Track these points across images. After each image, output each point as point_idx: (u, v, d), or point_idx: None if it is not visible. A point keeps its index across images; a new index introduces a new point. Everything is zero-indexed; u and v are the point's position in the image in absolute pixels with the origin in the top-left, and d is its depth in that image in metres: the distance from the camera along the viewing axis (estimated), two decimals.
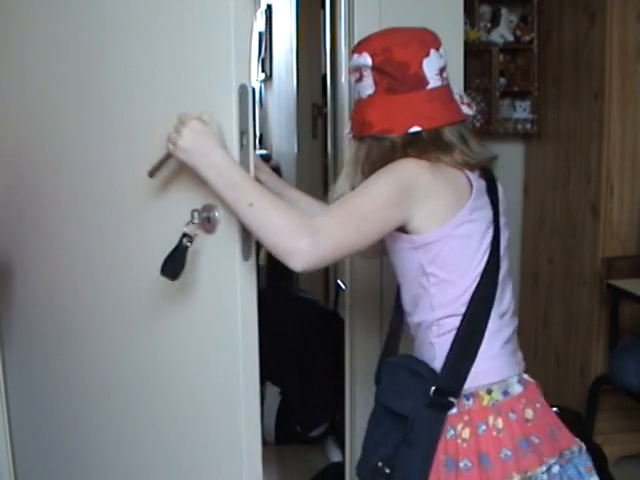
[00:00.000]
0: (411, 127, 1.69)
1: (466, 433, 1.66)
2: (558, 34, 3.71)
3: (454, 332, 1.70)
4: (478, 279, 1.70)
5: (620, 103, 3.36)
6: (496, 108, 3.85)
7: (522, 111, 3.92)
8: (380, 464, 1.71)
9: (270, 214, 1.61)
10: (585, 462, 1.73)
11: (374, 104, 1.73)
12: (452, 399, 1.67)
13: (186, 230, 1.73)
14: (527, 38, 3.83)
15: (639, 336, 3.20)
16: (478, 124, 3.84)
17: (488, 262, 1.72)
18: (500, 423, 1.65)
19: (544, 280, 3.95)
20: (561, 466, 1.68)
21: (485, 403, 1.67)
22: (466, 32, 3.30)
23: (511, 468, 1.63)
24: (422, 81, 1.71)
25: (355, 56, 1.75)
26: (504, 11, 3.84)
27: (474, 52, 3.68)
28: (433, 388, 1.67)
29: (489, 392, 1.68)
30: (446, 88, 1.76)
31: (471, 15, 3.67)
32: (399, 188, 1.65)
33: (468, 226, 1.70)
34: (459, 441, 1.66)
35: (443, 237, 1.68)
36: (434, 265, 1.70)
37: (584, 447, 1.75)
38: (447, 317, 1.71)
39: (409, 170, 1.67)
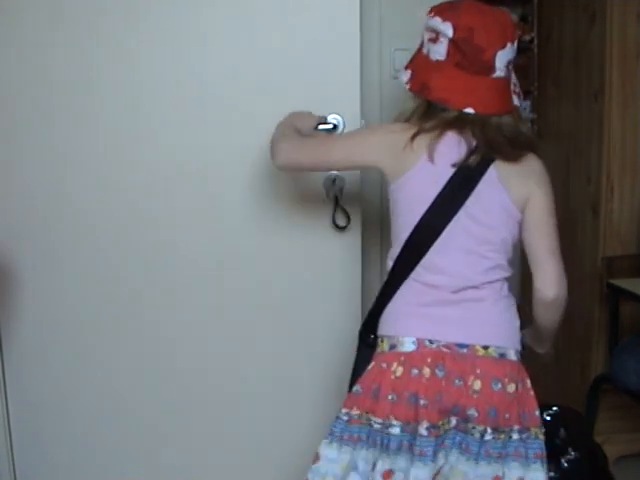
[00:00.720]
0: (467, 107, 1.83)
1: (371, 366, 1.91)
2: (558, 34, 3.71)
3: (386, 279, 1.97)
4: (404, 242, 1.90)
5: (620, 103, 3.35)
6: None
7: (522, 111, 3.90)
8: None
9: (282, 130, 2.06)
10: (424, 445, 1.82)
11: (441, 72, 1.84)
12: (369, 336, 1.98)
13: None
14: (527, 38, 3.84)
15: (639, 336, 3.20)
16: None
17: (415, 230, 1.87)
18: (370, 366, 1.90)
19: None
20: (402, 430, 1.82)
21: (378, 350, 1.92)
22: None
23: (354, 402, 1.89)
24: (490, 69, 1.82)
25: (438, 20, 1.83)
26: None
27: None
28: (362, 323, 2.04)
29: (382, 341, 1.92)
30: (509, 79, 1.88)
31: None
32: (381, 140, 1.93)
33: (412, 187, 1.88)
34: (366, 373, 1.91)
35: (396, 189, 1.91)
36: (390, 211, 1.96)
37: (424, 426, 1.83)
38: (390, 258, 1.96)
39: (398, 131, 1.90)
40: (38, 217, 2.36)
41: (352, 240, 2.43)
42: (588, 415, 3.31)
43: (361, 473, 1.88)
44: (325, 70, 2.32)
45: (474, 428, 1.85)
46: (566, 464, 2.79)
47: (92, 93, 2.31)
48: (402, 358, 1.86)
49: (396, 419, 1.83)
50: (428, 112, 1.89)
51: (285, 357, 2.50)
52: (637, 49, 3.31)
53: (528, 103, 3.91)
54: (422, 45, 1.91)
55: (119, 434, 2.51)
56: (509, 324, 1.94)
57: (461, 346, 1.85)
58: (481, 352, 1.86)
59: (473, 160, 1.85)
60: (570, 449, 2.84)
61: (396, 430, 1.84)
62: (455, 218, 1.86)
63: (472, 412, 1.84)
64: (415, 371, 1.84)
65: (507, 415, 1.86)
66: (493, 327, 1.90)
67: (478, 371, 1.84)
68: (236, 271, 2.44)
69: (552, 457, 2.81)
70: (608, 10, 3.27)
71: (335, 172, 2.32)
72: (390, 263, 1.96)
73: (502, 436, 1.86)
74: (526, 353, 2.03)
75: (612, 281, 3.28)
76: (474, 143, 1.86)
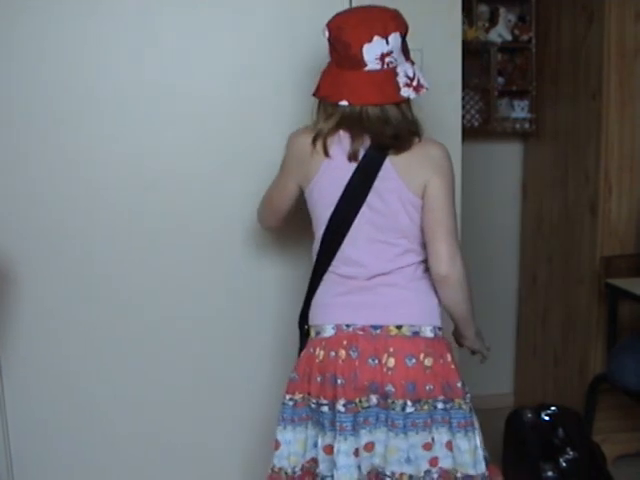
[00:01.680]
0: (341, 100, 1.97)
1: (303, 353, 2.11)
2: (556, 33, 3.71)
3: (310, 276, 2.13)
4: (320, 239, 2.07)
5: (618, 102, 3.35)
6: (494, 107, 3.84)
7: (520, 110, 3.92)
8: None
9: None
10: (342, 422, 1.99)
11: (328, 72, 2.02)
12: (306, 327, 2.13)
13: None
14: (525, 37, 3.82)
15: (638, 335, 3.20)
16: (477, 123, 3.84)
17: (327, 227, 2.04)
18: (302, 353, 2.10)
19: (543, 279, 3.95)
20: (329, 408, 2.00)
21: (310, 337, 2.10)
22: (464, 31, 3.30)
23: (294, 388, 2.08)
24: (360, 62, 1.95)
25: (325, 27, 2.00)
26: (502, 10, 3.83)
27: (472, 51, 3.67)
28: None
29: (309, 329, 2.11)
30: (390, 72, 1.98)
31: (469, 14, 3.67)
32: (290, 157, 2.09)
33: (320, 190, 2.03)
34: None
35: (308, 194, 2.07)
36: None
37: (341, 402, 2.00)
38: (313, 255, 2.12)
39: (297, 139, 2.07)
40: (33, 221, 2.36)
41: None
42: (587, 415, 3.31)
43: (319, 448, 2.07)
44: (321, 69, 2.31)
45: (394, 403, 2.00)
46: (565, 464, 2.81)
47: (86, 95, 2.32)
48: (323, 343, 2.05)
49: (324, 398, 2.02)
50: (324, 112, 2.03)
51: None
52: (635, 48, 3.32)
53: (526, 102, 3.91)
54: None
55: (113, 435, 2.51)
56: (424, 304, 2.07)
57: (375, 327, 2.02)
58: (394, 332, 2.02)
59: (368, 154, 1.99)
60: (569, 449, 2.85)
61: (325, 408, 2.02)
62: (360, 213, 2.01)
63: (389, 388, 2.00)
64: (332, 353, 2.02)
65: (429, 387, 2.02)
66: (406, 308, 2.05)
67: (391, 349, 2.00)
68: (227, 275, 2.45)
69: (551, 457, 2.84)
70: (606, 10, 3.27)
71: None
72: (314, 258, 2.13)
73: (425, 407, 2.02)
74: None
75: (610, 281, 3.28)
76: (367, 139, 2.00)
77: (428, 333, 2.04)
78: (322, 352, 2.04)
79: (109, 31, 2.29)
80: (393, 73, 1.98)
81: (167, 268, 2.45)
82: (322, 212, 2.05)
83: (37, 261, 2.39)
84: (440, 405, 2.03)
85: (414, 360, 2.00)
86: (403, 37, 1.98)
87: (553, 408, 3.06)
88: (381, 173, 1.99)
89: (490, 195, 3.99)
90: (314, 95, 2.05)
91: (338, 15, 2.00)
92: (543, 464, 2.79)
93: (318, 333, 2.08)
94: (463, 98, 3.05)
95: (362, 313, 2.04)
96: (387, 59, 1.95)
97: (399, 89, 1.98)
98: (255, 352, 2.56)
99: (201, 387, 2.55)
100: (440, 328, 2.09)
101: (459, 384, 2.06)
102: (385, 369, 2.00)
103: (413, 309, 2.06)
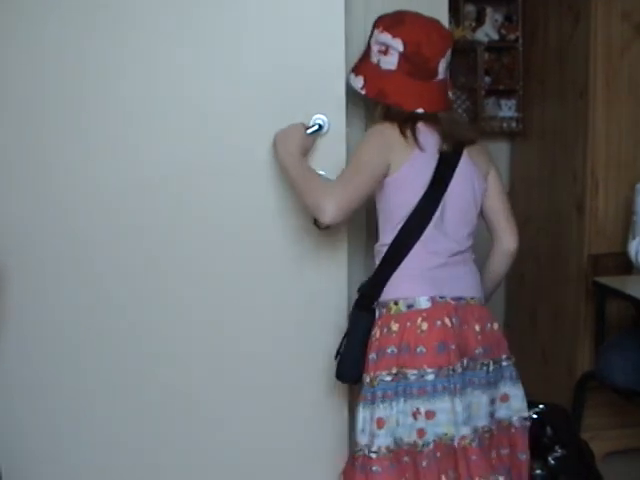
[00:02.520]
0: (418, 108, 2.17)
1: (377, 333, 2.18)
2: (543, 33, 3.73)
3: (383, 255, 2.21)
4: (406, 219, 2.17)
5: (605, 101, 3.38)
6: (481, 106, 3.87)
7: (507, 109, 3.94)
8: (335, 354, 2.29)
9: (310, 181, 2.17)
10: (456, 382, 2.12)
11: (394, 79, 2.17)
12: (369, 304, 2.22)
13: None
14: (512, 37, 3.85)
15: (625, 333, 3.22)
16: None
17: (416, 208, 2.16)
18: (396, 327, 2.15)
19: (530, 278, 3.96)
20: (436, 376, 2.11)
21: (392, 312, 2.17)
22: (451, 31, 3.31)
23: (392, 362, 2.13)
24: (435, 74, 2.17)
25: (387, 36, 2.15)
26: (489, 10, 3.86)
27: (459, 51, 3.67)
28: (359, 293, 2.26)
29: (395, 303, 2.17)
30: (447, 80, 2.24)
31: (456, 14, 3.69)
32: (381, 143, 2.16)
33: (407, 176, 2.16)
34: (373, 339, 2.19)
35: (393, 180, 2.17)
36: (383, 201, 2.20)
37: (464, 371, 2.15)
38: (382, 245, 2.21)
39: (386, 129, 2.17)
40: (26, 223, 2.35)
41: (336, 239, 2.42)
42: (575, 412, 3.32)
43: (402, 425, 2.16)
44: (309, 69, 2.31)
45: (482, 364, 2.19)
46: (553, 461, 2.80)
47: (82, 99, 2.29)
48: (424, 314, 2.14)
49: (429, 367, 2.11)
50: (388, 113, 2.20)
51: (274, 356, 2.49)
52: (621, 47, 3.34)
53: (513, 102, 3.92)
54: (369, 55, 2.21)
55: (102, 438, 2.50)
56: (479, 280, 2.30)
57: (460, 299, 2.20)
58: (472, 302, 2.22)
59: (447, 147, 2.20)
60: (557, 446, 2.85)
61: (430, 377, 2.11)
62: (445, 195, 2.19)
63: (479, 350, 2.18)
64: (439, 322, 2.14)
65: (497, 349, 2.24)
66: (473, 282, 2.27)
67: (476, 316, 2.21)
68: (223, 273, 2.43)
69: (539, 455, 2.84)
70: (592, 9, 3.30)
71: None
72: (386, 241, 2.21)
73: (497, 365, 2.23)
74: None
75: (598, 279, 3.28)
76: (438, 134, 2.20)
77: (484, 303, 2.29)
78: (425, 323, 2.14)
79: (109, 39, 2.28)
80: (448, 81, 2.25)
81: (177, 268, 2.42)
82: (408, 197, 2.18)
83: (32, 261, 2.37)
84: (504, 363, 2.26)
85: (489, 325, 2.24)
86: None
87: (541, 406, 3.06)
88: (461, 161, 2.22)
89: None
90: (379, 99, 2.21)
91: (409, 28, 2.16)
92: (532, 462, 2.79)
93: (411, 306, 2.17)
94: None
95: (449, 286, 2.20)
96: (447, 67, 2.22)
97: (448, 94, 2.27)
98: (279, 352, 2.50)
99: (222, 394, 2.48)
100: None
101: (505, 343, 2.30)
102: (474, 334, 2.19)
103: (476, 284, 2.28)
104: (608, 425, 3.50)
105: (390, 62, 2.17)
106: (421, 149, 2.16)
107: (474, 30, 3.84)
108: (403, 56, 2.14)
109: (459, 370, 2.14)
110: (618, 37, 3.33)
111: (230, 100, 2.33)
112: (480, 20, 3.87)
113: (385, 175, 2.16)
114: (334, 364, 2.30)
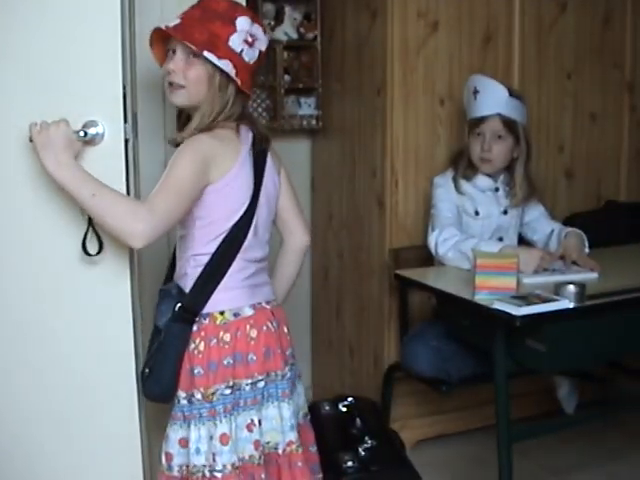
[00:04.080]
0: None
1: (201, 346, 2.09)
2: (341, 31, 3.78)
3: (203, 267, 2.11)
4: (229, 229, 2.11)
5: (402, 98, 3.46)
6: (281, 105, 3.87)
7: (307, 107, 3.97)
8: (144, 369, 2.14)
9: (111, 202, 1.92)
10: (284, 387, 2.17)
11: (250, 72, 2.15)
12: (192, 316, 2.10)
13: None
14: (311, 35, 3.87)
15: (427, 323, 3.30)
16: (264, 121, 3.85)
17: (241, 218, 2.11)
18: (227, 337, 2.10)
19: (335, 273, 4.01)
20: (265, 383, 2.13)
21: (218, 322, 2.11)
22: None
23: (228, 374, 2.08)
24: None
25: (260, 30, 2.13)
26: (288, 9, 3.86)
27: None
28: (178, 305, 2.10)
29: (221, 313, 2.12)
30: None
31: (255, 13, 3.66)
32: (197, 159, 2.02)
33: (233, 185, 2.10)
34: (195, 352, 2.09)
35: (215, 190, 2.07)
36: (202, 210, 2.08)
37: (288, 374, 2.20)
38: (201, 255, 2.11)
39: (203, 144, 2.05)
40: None
41: (104, 270, 2.13)
42: (384, 403, 3.39)
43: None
44: (77, 66, 2.02)
45: (292, 365, 2.25)
46: (364, 452, 2.85)
47: None
48: (251, 321, 2.14)
49: (259, 374, 2.12)
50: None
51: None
52: (417, 45, 3.43)
53: (313, 99, 3.96)
54: (230, 40, 2.05)
55: None
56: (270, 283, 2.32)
57: (269, 303, 2.23)
58: (275, 304, 2.26)
59: (258, 147, 2.18)
60: (367, 438, 2.90)
61: (261, 384, 2.13)
62: (259, 203, 2.17)
63: (290, 351, 2.25)
64: (264, 328, 2.15)
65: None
66: (269, 287, 2.28)
67: (283, 318, 2.26)
68: None
69: (350, 446, 2.87)
70: (389, 7, 3.37)
71: None
72: (203, 251, 2.12)
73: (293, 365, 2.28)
74: None
75: (400, 272, 3.34)
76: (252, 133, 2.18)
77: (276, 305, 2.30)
78: (254, 331, 2.14)
79: None
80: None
81: None
82: (234, 206, 2.12)
83: None
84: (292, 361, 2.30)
85: (285, 327, 2.28)
86: None
87: (350, 399, 3.10)
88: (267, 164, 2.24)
89: None
90: (247, 90, 2.14)
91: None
92: (343, 454, 2.81)
93: (237, 314, 2.13)
94: None
95: (259, 292, 2.21)
96: None
97: None
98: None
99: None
100: None
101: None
102: (284, 334, 2.25)
103: (270, 287, 2.29)
104: (417, 414, 3.59)
105: (252, 56, 2.13)
106: (244, 152, 2.12)
107: (273, 29, 3.84)
108: (262, 53, 2.16)
109: (288, 375, 2.17)
110: (414, 35, 3.42)
111: None
112: (279, 19, 3.86)
113: (205, 186, 2.05)
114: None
